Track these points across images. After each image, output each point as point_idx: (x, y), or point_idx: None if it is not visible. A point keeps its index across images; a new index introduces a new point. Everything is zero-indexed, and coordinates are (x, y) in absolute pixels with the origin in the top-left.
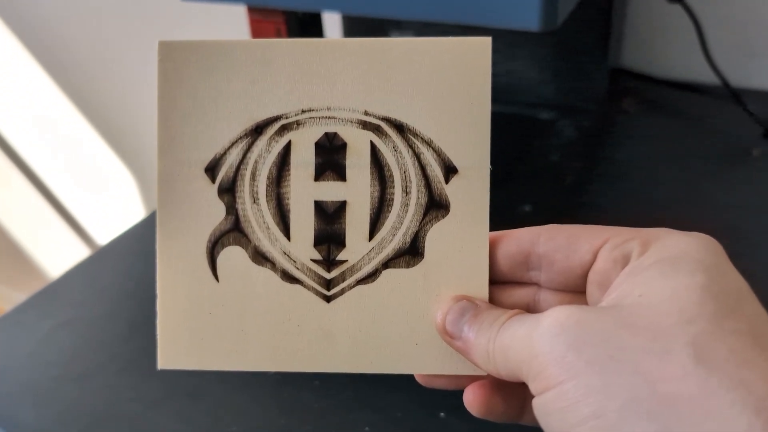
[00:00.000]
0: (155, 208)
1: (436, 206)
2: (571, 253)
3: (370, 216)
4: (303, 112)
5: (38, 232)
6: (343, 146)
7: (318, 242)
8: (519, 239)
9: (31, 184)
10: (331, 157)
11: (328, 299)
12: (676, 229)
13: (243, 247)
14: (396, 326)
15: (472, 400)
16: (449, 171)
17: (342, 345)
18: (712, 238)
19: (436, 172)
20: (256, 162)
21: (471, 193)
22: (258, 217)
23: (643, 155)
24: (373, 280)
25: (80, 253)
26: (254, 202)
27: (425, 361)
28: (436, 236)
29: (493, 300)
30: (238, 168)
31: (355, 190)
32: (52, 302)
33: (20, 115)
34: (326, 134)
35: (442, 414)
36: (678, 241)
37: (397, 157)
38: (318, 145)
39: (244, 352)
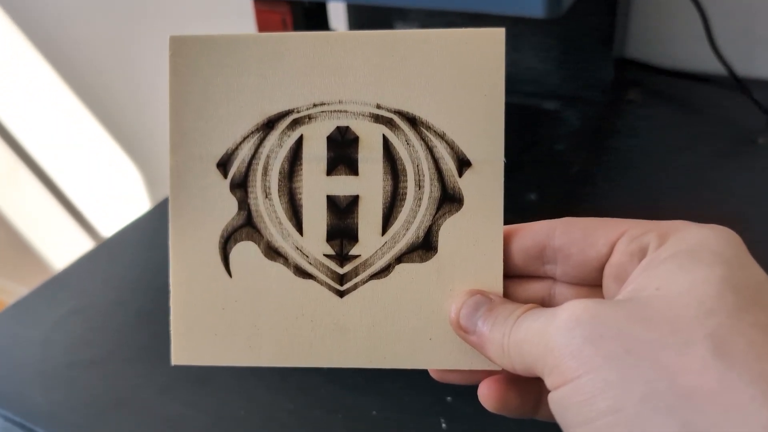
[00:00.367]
0: (160, 200)
1: (449, 200)
2: (587, 246)
3: (383, 210)
4: (315, 106)
5: (44, 226)
6: (356, 140)
7: (331, 237)
8: (534, 233)
9: (38, 179)
10: (343, 151)
11: (341, 294)
12: (691, 221)
13: (255, 243)
14: (410, 321)
15: (487, 395)
16: (463, 164)
17: (355, 340)
18: (730, 230)
19: (449, 165)
20: (268, 157)
21: (485, 186)
22: (270, 212)
23: (648, 145)
24: (387, 275)
25: (85, 245)
26: (266, 197)
27: (439, 356)
28: (449, 230)
29: (507, 294)
30: (250, 163)
31: (368, 185)
32: (60, 291)
33: (25, 109)
34: (338, 128)
35: (449, 398)
36: (696, 234)
37: (409, 151)
38: (330, 139)
39: (258, 347)
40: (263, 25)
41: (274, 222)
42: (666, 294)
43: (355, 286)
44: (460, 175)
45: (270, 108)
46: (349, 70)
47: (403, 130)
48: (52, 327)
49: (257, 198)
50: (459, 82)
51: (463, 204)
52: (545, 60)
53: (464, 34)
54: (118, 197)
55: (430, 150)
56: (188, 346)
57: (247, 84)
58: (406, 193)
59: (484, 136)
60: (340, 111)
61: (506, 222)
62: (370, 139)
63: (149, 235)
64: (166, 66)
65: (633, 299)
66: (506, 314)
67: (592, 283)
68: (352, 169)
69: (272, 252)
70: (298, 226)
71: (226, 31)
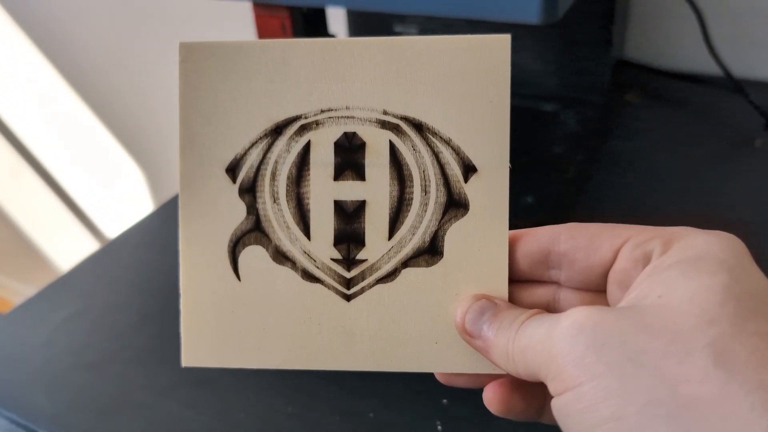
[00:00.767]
0: (163, 199)
1: (455, 205)
2: (591, 252)
3: (390, 215)
4: (322, 111)
5: (48, 226)
6: (362, 146)
7: (338, 241)
8: (539, 238)
9: (42, 180)
10: (350, 157)
11: (348, 298)
12: (691, 225)
13: (264, 247)
14: (416, 325)
15: (492, 398)
16: (468, 170)
17: (362, 343)
18: (735, 237)
19: (455, 171)
20: (276, 162)
21: (490, 191)
22: (278, 216)
23: (646, 146)
24: (393, 279)
25: (89, 246)
26: (274, 202)
27: (445, 360)
28: (455, 235)
29: (512, 299)
30: (258, 168)
31: (375, 190)
32: (64, 293)
33: (30, 111)
34: (345, 134)
35: (444, 401)
36: (700, 241)
37: (416, 156)
38: (337, 145)
39: (266, 350)
40: (262, 30)
41: (282, 226)
42: (668, 302)
43: (361, 290)
44: (466, 180)
45: (278, 114)
46: (356, 76)
47: (409, 136)
48: (55, 329)
49: (265, 203)
50: (465, 89)
51: (468, 209)
52: (543, 62)
53: (470, 40)
54: (121, 197)
55: (436, 156)
56: (198, 349)
57: (255, 90)
58: (412, 199)
59: (489, 142)
60: (347, 117)
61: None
62: (377, 145)
63: (152, 237)
64: (168, 68)
65: (636, 307)
66: (511, 319)
67: (596, 289)
68: (359, 174)
69: (280, 256)
70: (306, 231)
71: (226, 35)
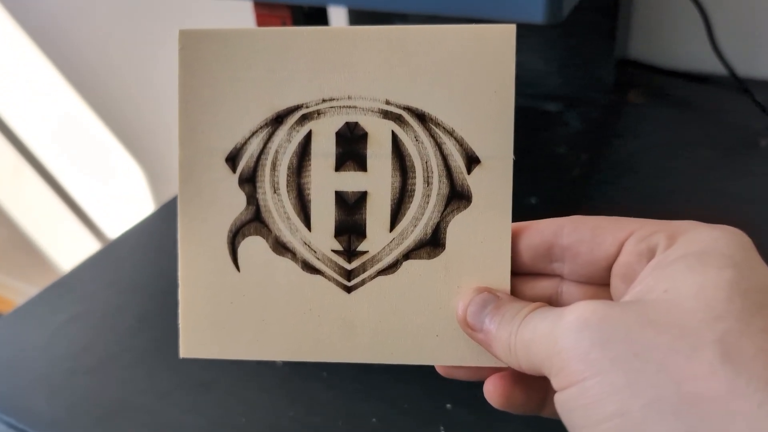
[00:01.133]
0: (163, 198)
1: (458, 197)
2: (595, 245)
3: (391, 206)
4: (323, 101)
5: (49, 226)
6: (364, 136)
7: (339, 233)
8: (542, 231)
9: (43, 179)
10: (351, 147)
11: (348, 290)
12: (702, 222)
13: (264, 238)
14: (417, 317)
15: (493, 391)
16: (471, 161)
17: (362, 335)
18: (741, 231)
19: (458, 162)
20: (276, 152)
21: (494, 183)
22: (279, 207)
23: (650, 146)
24: (394, 271)
25: (90, 246)
26: (275, 192)
27: (446, 353)
28: (457, 227)
29: (514, 292)
30: (258, 158)
31: (376, 181)
32: (63, 296)
33: (31, 111)
34: (347, 124)
35: (448, 405)
36: (706, 235)
37: (418, 147)
38: (339, 135)
39: (265, 341)
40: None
41: (283, 217)
42: (674, 297)
43: (362, 282)
44: (469, 172)
45: (279, 103)
46: (359, 65)
47: (412, 127)
48: (54, 332)
49: (266, 193)
50: (469, 79)
51: (471, 201)
52: (547, 61)
53: (475, 30)
54: (121, 196)
55: (439, 146)
56: (196, 340)
57: (256, 78)
58: (414, 190)
59: (493, 134)
60: (349, 107)
61: None
62: (379, 135)
63: (152, 238)
64: (169, 67)
65: (641, 301)
66: (513, 313)
67: (599, 282)
68: (361, 165)
69: (280, 247)
70: (307, 222)
71: None
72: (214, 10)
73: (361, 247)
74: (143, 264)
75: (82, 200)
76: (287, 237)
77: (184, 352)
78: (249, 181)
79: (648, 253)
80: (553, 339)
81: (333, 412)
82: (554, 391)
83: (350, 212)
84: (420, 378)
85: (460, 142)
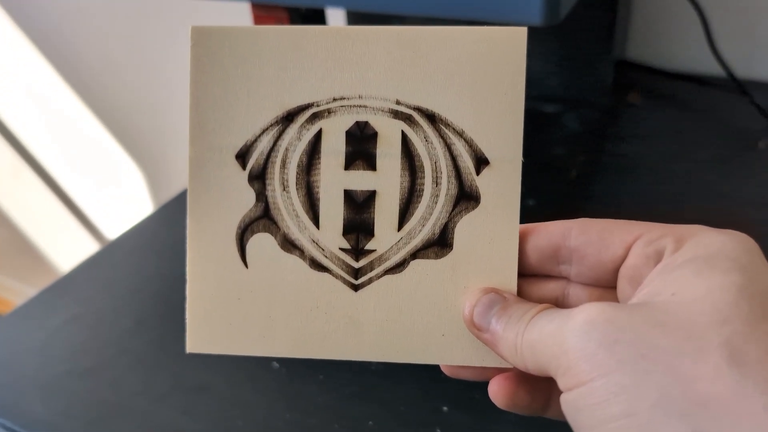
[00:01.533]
0: (162, 199)
1: (466, 198)
2: (602, 248)
3: (400, 206)
4: (334, 100)
5: (48, 227)
6: (374, 135)
7: (347, 231)
8: (549, 232)
9: (41, 180)
10: (361, 146)
11: (355, 288)
12: (708, 226)
13: (272, 235)
14: (423, 316)
15: (498, 392)
16: (480, 162)
17: (369, 334)
18: (747, 236)
19: (467, 163)
20: (286, 150)
21: (502, 185)
22: (288, 204)
23: (648, 147)
24: (401, 270)
25: (89, 246)
26: (284, 189)
27: (451, 352)
28: (465, 228)
29: (521, 293)
30: (268, 155)
31: (385, 180)
32: (60, 297)
33: (30, 112)
34: (357, 123)
35: (445, 408)
36: (713, 239)
37: (428, 148)
38: (349, 134)
39: (272, 338)
40: None
41: (291, 215)
42: (682, 300)
43: (369, 281)
44: (478, 173)
45: (290, 101)
46: (370, 65)
47: (422, 127)
48: (51, 334)
49: (275, 190)
50: (479, 80)
51: (479, 202)
52: (545, 63)
53: (486, 32)
54: (120, 197)
55: (449, 147)
56: (203, 335)
57: (267, 76)
58: (423, 190)
59: (502, 135)
60: (360, 106)
61: None
62: (389, 135)
63: (151, 240)
64: (168, 68)
65: (648, 303)
66: (520, 314)
67: (606, 285)
68: (370, 164)
69: (288, 244)
70: (315, 220)
71: None
72: (212, 11)
73: (368, 246)
74: (141, 266)
75: (80, 201)
76: (295, 234)
77: (190, 347)
78: (258, 179)
79: (655, 256)
80: (561, 340)
81: (329, 414)
82: (559, 392)
83: (359, 211)
84: (416, 380)
85: (469, 143)
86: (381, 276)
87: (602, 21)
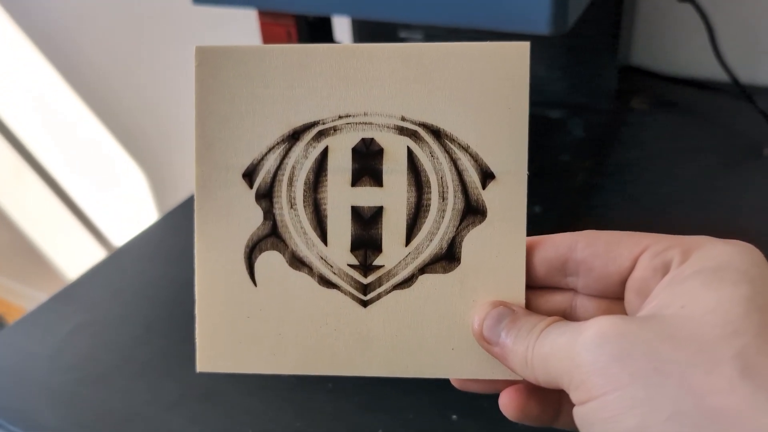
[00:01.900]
0: (167, 204)
1: (473, 212)
2: (609, 260)
3: (407, 221)
4: (340, 117)
5: (52, 230)
6: (380, 152)
7: (355, 247)
8: (556, 245)
9: (47, 186)
10: (367, 163)
11: (364, 304)
12: (715, 237)
13: (280, 252)
14: (432, 331)
15: (508, 404)
16: (486, 176)
17: (379, 349)
18: (754, 246)
19: (473, 177)
20: (293, 168)
21: (508, 198)
22: (295, 222)
23: (653, 153)
24: (410, 285)
25: (91, 248)
26: (291, 207)
27: (461, 366)
28: (472, 242)
29: (529, 305)
30: (275, 174)
31: (392, 196)
32: (68, 305)
33: (36, 119)
34: (363, 140)
35: (454, 416)
36: (720, 251)
37: (434, 163)
38: (355, 151)
39: (282, 355)
40: (268, 38)
41: (299, 232)
42: (692, 313)
43: (378, 296)
44: (484, 187)
45: (296, 119)
46: (375, 82)
47: (427, 143)
48: (60, 342)
49: (282, 208)
50: (483, 95)
51: (486, 216)
52: (550, 68)
53: (489, 47)
54: (124, 200)
55: (454, 162)
56: (213, 354)
57: (272, 95)
58: (429, 205)
59: (507, 149)
60: (365, 123)
61: None
62: (395, 151)
63: (157, 247)
64: (172, 74)
65: (658, 316)
66: (529, 327)
67: (613, 296)
68: (377, 180)
69: (297, 262)
70: (323, 237)
71: (230, 42)
72: (219, 19)
73: (377, 262)
74: (148, 273)
75: (82, 203)
76: (304, 252)
77: (201, 367)
78: (266, 197)
79: (663, 268)
80: (573, 353)
81: (338, 423)
82: (569, 403)
83: (366, 227)
84: (425, 389)
85: (474, 158)
86: (390, 291)
87: (607, 27)
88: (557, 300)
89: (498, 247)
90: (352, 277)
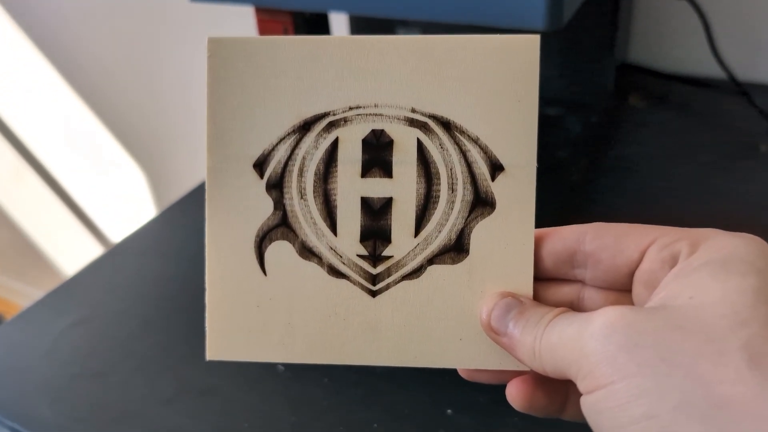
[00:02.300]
0: (166, 204)
1: (482, 203)
2: (617, 252)
3: (416, 212)
4: (350, 109)
5: (51, 228)
6: (390, 143)
7: (364, 238)
8: (564, 237)
9: (44, 181)
10: (377, 154)
11: (373, 294)
12: (722, 230)
13: (290, 242)
14: (441, 321)
15: (515, 395)
16: (495, 168)
17: (387, 339)
18: (760, 239)
19: (482, 169)
20: (303, 158)
21: (517, 190)
22: (305, 212)
23: (650, 150)
24: (419, 276)
25: (91, 247)
26: (302, 197)
27: (469, 356)
28: (481, 233)
29: (537, 297)
30: (285, 164)
31: (402, 187)
32: (66, 301)
33: (34, 115)
34: (373, 131)
35: (449, 411)
36: (727, 242)
37: (443, 155)
38: (365, 142)
39: (291, 344)
40: (264, 34)
41: (309, 222)
42: (700, 303)
43: (387, 287)
44: (493, 179)
45: (306, 110)
46: (385, 74)
47: (437, 134)
48: (57, 338)
49: (293, 198)
50: (493, 88)
51: (495, 207)
52: (546, 66)
53: (499, 40)
54: (123, 198)
55: (464, 154)
56: (223, 342)
57: (283, 86)
58: (439, 196)
59: (517, 141)
60: (376, 114)
61: None
62: (405, 143)
63: (155, 243)
64: (171, 70)
65: (666, 307)
66: (537, 317)
67: (621, 288)
68: (387, 171)
69: (306, 252)
70: (333, 227)
71: None
72: (216, 15)
73: (386, 252)
74: (146, 269)
75: (83, 202)
76: (313, 242)
77: (211, 355)
78: (276, 187)
79: (671, 260)
80: (581, 343)
81: (334, 418)
82: (576, 394)
83: (375, 218)
84: (420, 384)
85: (484, 150)
86: (398, 282)
87: (604, 24)
88: (565, 292)
89: (506, 239)
90: (361, 268)
